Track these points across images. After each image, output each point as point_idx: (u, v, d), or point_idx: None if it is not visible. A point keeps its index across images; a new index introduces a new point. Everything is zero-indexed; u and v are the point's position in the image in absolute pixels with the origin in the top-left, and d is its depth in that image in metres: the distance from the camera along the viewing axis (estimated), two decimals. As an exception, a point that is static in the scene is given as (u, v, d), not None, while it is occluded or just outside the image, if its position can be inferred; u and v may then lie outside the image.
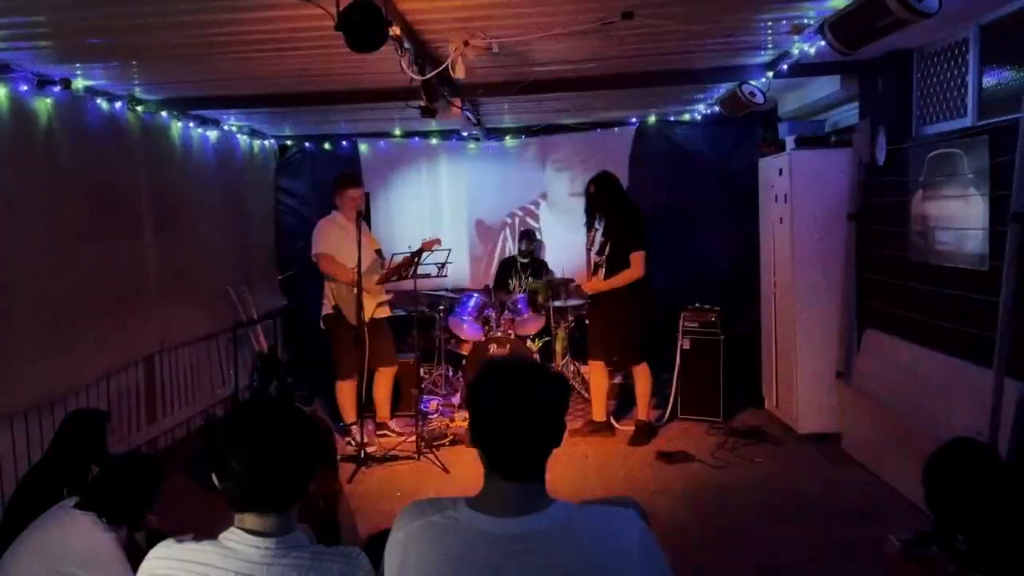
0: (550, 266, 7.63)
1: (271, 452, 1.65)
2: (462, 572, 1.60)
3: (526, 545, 1.61)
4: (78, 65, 4.49)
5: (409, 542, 1.65)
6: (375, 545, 1.93)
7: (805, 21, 4.14)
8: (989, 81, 4.30)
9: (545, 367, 1.85)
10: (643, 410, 5.91)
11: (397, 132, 7.79)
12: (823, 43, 4.08)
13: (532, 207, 8.11)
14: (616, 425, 6.10)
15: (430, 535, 1.65)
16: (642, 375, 5.86)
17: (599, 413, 6.04)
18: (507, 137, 8.01)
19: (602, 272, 5.75)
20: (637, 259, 5.58)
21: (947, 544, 2.44)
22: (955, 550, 2.42)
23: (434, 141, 8.00)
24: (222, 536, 1.68)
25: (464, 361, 6.77)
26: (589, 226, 5.97)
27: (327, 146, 8.00)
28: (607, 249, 5.73)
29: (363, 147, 8.03)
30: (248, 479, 1.64)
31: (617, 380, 6.46)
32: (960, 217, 4.26)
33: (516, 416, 1.65)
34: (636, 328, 5.75)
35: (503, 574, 1.58)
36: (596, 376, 5.98)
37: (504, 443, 1.67)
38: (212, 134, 6.66)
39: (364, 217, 5.60)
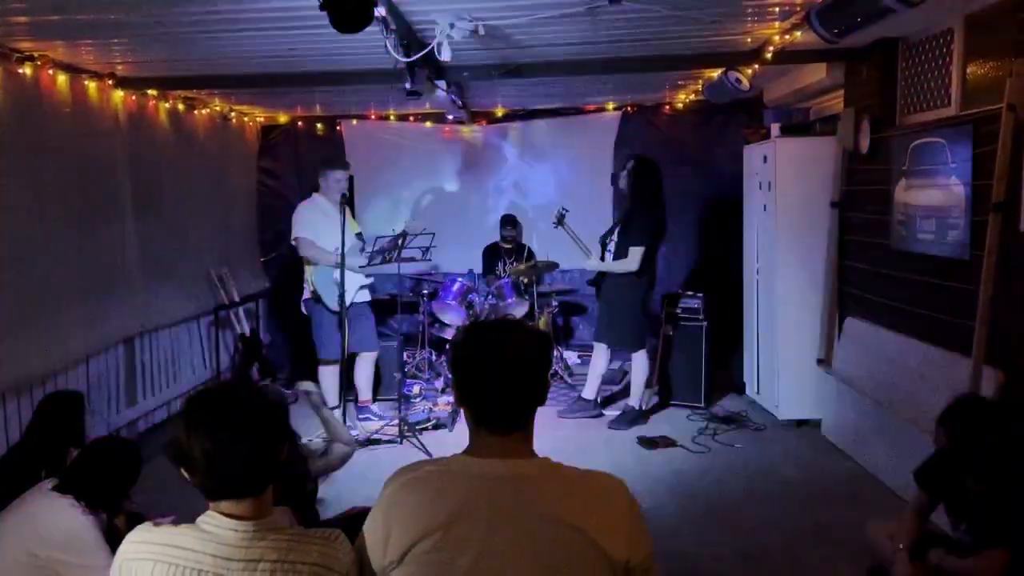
0: (534, 250, 7.61)
1: (231, 437, 1.62)
2: (453, 510, 1.62)
3: (518, 484, 1.65)
4: (59, 42, 4.42)
5: (402, 489, 1.68)
6: (352, 525, 1.93)
7: (792, 8, 4.13)
8: (973, 71, 4.31)
9: (527, 324, 1.88)
10: (634, 396, 5.94)
11: (382, 114, 7.73)
12: (809, 31, 4.08)
13: (517, 191, 8.08)
14: (604, 412, 6.12)
15: (422, 481, 1.69)
16: (636, 362, 5.90)
17: (588, 391, 6.06)
18: (493, 120, 7.96)
19: (608, 256, 5.82)
20: (632, 253, 5.62)
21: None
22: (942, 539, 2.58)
23: (419, 124, 7.95)
24: (199, 520, 1.67)
25: (448, 345, 6.75)
26: None
27: (310, 128, 7.94)
28: (614, 234, 5.82)
29: (347, 129, 7.97)
30: (214, 468, 1.62)
31: (615, 365, 6.47)
32: (942, 206, 4.29)
33: (498, 365, 1.68)
34: (633, 315, 5.77)
35: (495, 508, 1.62)
36: (595, 356, 6.02)
37: (489, 394, 1.69)
38: (195, 114, 6.59)
39: (348, 200, 5.55)
